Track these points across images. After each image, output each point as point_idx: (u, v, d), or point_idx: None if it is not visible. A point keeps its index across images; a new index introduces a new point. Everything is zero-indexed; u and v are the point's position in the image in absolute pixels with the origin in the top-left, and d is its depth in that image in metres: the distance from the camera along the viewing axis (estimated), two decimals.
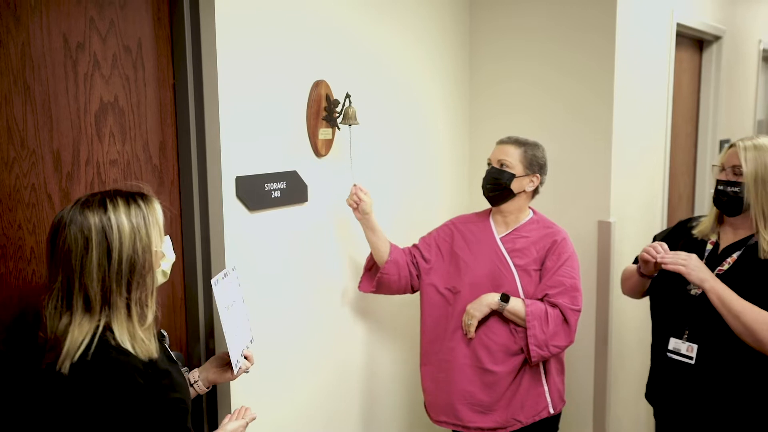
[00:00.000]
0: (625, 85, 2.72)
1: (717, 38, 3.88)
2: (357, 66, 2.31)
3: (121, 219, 1.31)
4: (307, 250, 2.17)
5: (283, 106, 2.03)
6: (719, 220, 2.04)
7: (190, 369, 1.75)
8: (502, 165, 2.21)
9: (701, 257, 1.99)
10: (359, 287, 2.36)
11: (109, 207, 1.32)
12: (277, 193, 2.02)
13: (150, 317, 1.37)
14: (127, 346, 1.31)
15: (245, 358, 1.72)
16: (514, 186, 2.21)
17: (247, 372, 1.74)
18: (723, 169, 1.97)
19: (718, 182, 1.97)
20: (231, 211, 1.89)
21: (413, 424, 2.80)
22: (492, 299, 2.14)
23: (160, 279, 1.42)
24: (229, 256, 1.88)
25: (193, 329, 1.92)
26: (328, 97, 2.16)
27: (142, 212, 1.35)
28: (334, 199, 2.27)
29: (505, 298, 2.13)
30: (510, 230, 2.27)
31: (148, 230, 1.34)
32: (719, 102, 3.98)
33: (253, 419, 1.61)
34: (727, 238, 2.00)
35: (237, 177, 1.89)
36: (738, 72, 4.36)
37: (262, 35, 1.94)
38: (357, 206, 2.18)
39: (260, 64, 1.94)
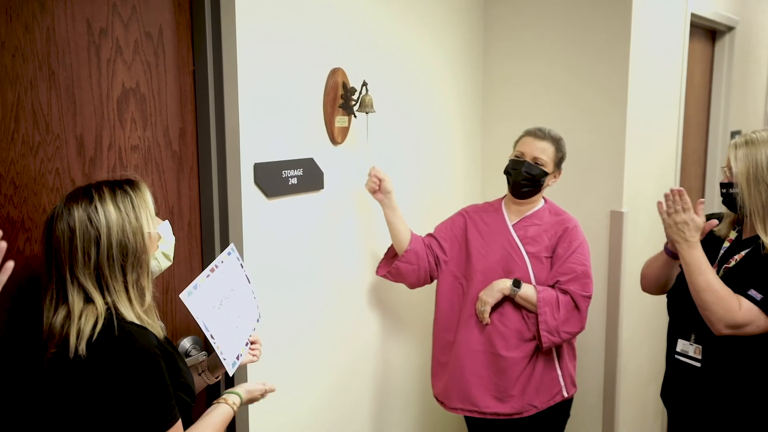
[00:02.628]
0: (639, 76, 2.72)
1: (730, 29, 3.86)
2: (373, 56, 2.32)
3: (108, 207, 1.32)
4: (323, 237, 2.19)
5: (300, 93, 2.04)
6: (739, 221, 2.02)
7: (209, 355, 1.77)
8: (536, 161, 2.22)
9: (717, 254, 1.99)
10: (377, 271, 2.37)
11: (95, 197, 1.33)
12: (294, 180, 2.04)
13: (148, 297, 1.38)
14: (140, 323, 1.34)
15: (252, 342, 1.68)
16: (544, 184, 2.25)
17: (255, 361, 1.70)
18: (725, 170, 1.97)
19: (721, 184, 1.97)
20: (249, 198, 1.91)
21: (425, 414, 2.82)
22: (504, 285, 2.16)
23: (164, 262, 1.43)
24: (247, 242, 1.90)
25: None
26: (344, 85, 2.17)
27: (129, 197, 1.35)
28: (350, 186, 2.28)
29: (516, 284, 2.15)
30: (522, 217, 2.29)
31: (137, 213, 1.35)
32: (731, 93, 3.97)
33: (272, 390, 1.62)
34: (747, 234, 1.97)
35: (255, 164, 1.90)
36: (750, 63, 4.34)
37: (281, 22, 1.95)
38: (378, 187, 2.18)
39: (278, 51, 1.95)
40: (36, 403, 1.46)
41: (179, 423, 1.33)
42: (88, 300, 1.31)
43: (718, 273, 1.94)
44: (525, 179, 2.22)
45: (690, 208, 1.86)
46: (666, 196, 1.90)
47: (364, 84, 2.14)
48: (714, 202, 3.96)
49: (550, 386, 2.26)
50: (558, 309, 2.15)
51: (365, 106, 2.14)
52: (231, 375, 1.64)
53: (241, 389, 1.57)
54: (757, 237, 1.91)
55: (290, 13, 1.97)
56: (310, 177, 2.09)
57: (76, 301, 1.30)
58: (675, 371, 2.08)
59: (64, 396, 1.29)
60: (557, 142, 2.25)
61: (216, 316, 1.53)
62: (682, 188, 1.90)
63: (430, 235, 2.39)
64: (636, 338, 2.99)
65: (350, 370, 2.38)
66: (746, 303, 1.80)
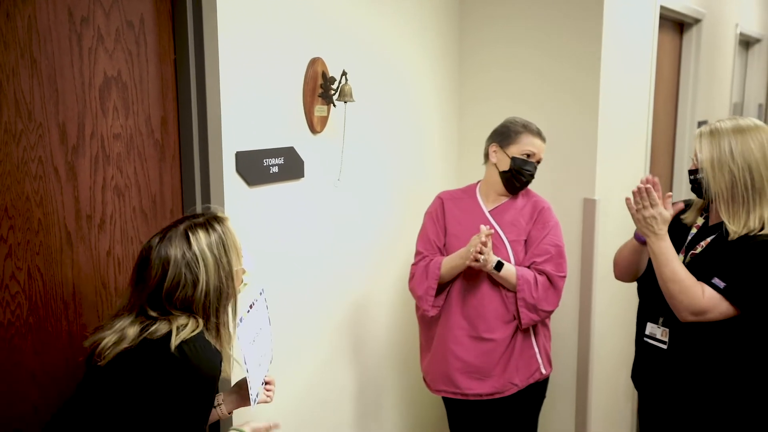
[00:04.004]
0: (611, 67, 2.78)
1: (697, 21, 3.96)
2: (351, 45, 2.34)
3: (204, 252, 1.41)
4: (304, 225, 2.22)
5: (280, 83, 2.06)
6: (706, 208, 2.08)
7: None
8: (538, 162, 2.33)
9: (684, 241, 2.06)
10: (431, 313, 2.32)
11: (192, 240, 1.41)
12: (276, 169, 2.06)
13: (234, 336, 1.49)
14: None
15: (266, 383, 1.72)
16: None
17: (269, 402, 1.73)
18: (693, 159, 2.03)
19: (689, 172, 2.03)
20: (231, 186, 1.92)
21: (411, 395, 2.87)
22: (492, 263, 2.20)
23: (240, 291, 1.53)
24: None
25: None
26: (324, 75, 2.19)
27: (221, 239, 1.43)
28: (330, 175, 2.31)
29: (499, 264, 2.21)
30: (498, 204, 2.35)
31: (229, 257, 1.44)
32: (698, 84, 4.07)
33: (277, 427, 1.68)
34: (713, 221, 2.02)
35: (237, 152, 1.92)
36: (716, 55, 4.45)
37: (261, 12, 1.96)
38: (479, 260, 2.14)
39: (259, 41, 1.96)
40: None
41: None
42: (188, 315, 1.40)
43: (684, 259, 2.01)
44: (529, 178, 2.32)
45: (657, 203, 1.92)
46: (634, 192, 1.96)
47: (344, 73, 2.17)
48: (682, 190, 4.07)
49: (528, 364, 2.33)
50: (536, 287, 2.23)
51: (345, 95, 2.16)
52: (252, 409, 1.66)
53: (247, 427, 1.61)
54: (722, 223, 1.98)
55: (270, 3, 1.99)
56: (291, 165, 2.12)
57: (157, 316, 1.39)
58: (644, 353, 2.15)
59: (140, 384, 1.36)
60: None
61: (251, 351, 1.59)
62: (656, 179, 1.97)
63: (429, 246, 2.39)
64: (608, 323, 3.07)
65: (334, 353, 2.42)
66: (709, 291, 1.87)
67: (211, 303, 1.41)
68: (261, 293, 1.70)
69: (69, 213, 1.63)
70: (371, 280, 2.59)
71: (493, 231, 2.18)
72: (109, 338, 1.38)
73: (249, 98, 1.95)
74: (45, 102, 1.56)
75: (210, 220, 1.46)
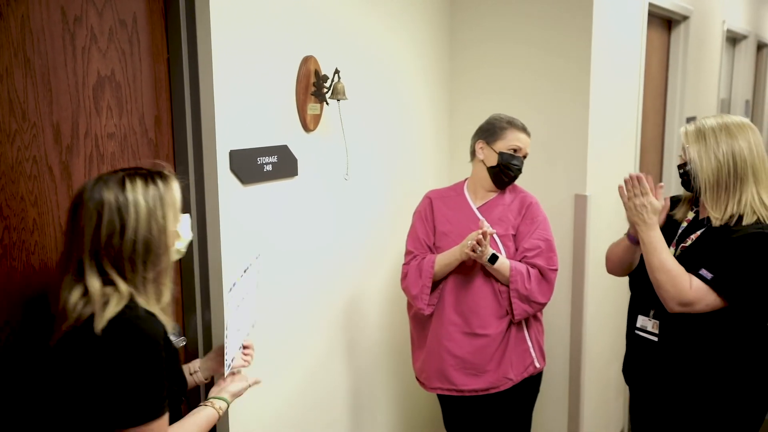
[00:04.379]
0: (601, 64, 2.80)
1: (685, 18, 3.99)
2: (343, 43, 2.35)
3: (138, 199, 1.33)
4: (298, 223, 2.22)
5: (273, 81, 2.07)
6: (696, 202, 2.12)
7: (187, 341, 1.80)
8: (524, 156, 2.36)
9: (674, 235, 2.10)
10: (426, 312, 2.35)
11: (128, 185, 1.34)
12: (269, 167, 2.06)
13: (167, 296, 1.41)
14: (153, 312, 1.36)
15: (245, 347, 1.72)
16: None
17: (247, 366, 1.72)
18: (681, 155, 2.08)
19: (678, 167, 2.08)
20: (225, 185, 1.93)
21: (405, 394, 2.88)
22: (488, 255, 2.22)
23: (174, 256, 1.44)
24: (224, 228, 1.92)
25: (189, 301, 1.96)
26: (316, 73, 2.19)
27: (159, 192, 1.36)
28: (323, 173, 2.32)
29: (493, 259, 2.23)
30: (486, 201, 2.38)
31: (165, 211, 1.37)
32: (686, 80, 4.11)
33: (257, 383, 1.66)
34: (703, 215, 2.06)
35: (231, 151, 1.92)
36: (703, 51, 4.49)
37: (254, 10, 1.96)
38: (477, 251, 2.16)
39: (252, 39, 1.97)
40: (41, 380, 1.45)
41: (166, 417, 1.36)
42: (107, 283, 1.33)
43: (675, 253, 2.04)
44: (516, 172, 2.35)
45: (648, 192, 1.97)
46: (626, 181, 2.01)
47: (337, 71, 2.17)
48: (671, 185, 4.10)
49: (522, 357, 2.35)
50: (529, 279, 2.25)
51: (337, 93, 2.17)
52: (225, 376, 1.65)
53: (227, 394, 1.59)
54: (706, 219, 2.01)
55: (262, 1, 1.99)
56: (285, 164, 2.12)
57: (93, 282, 1.32)
58: (635, 346, 2.18)
59: (75, 372, 1.31)
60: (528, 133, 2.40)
61: (234, 315, 1.59)
62: (642, 173, 2.01)
63: (419, 245, 2.41)
64: (599, 318, 3.10)
65: (327, 352, 2.43)
66: (696, 282, 1.91)
67: (139, 254, 1.33)
68: (257, 258, 1.70)
69: (64, 213, 1.62)
70: (364, 277, 2.60)
71: (495, 231, 2.20)
72: (60, 311, 1.34)
73: (242, 97, 1.95)
74: (39, 101, 1.56)
75: (153, 174, 1.39)
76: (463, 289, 2.32)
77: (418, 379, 2.47)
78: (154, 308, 1.37)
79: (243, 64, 1.94)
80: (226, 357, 1.58)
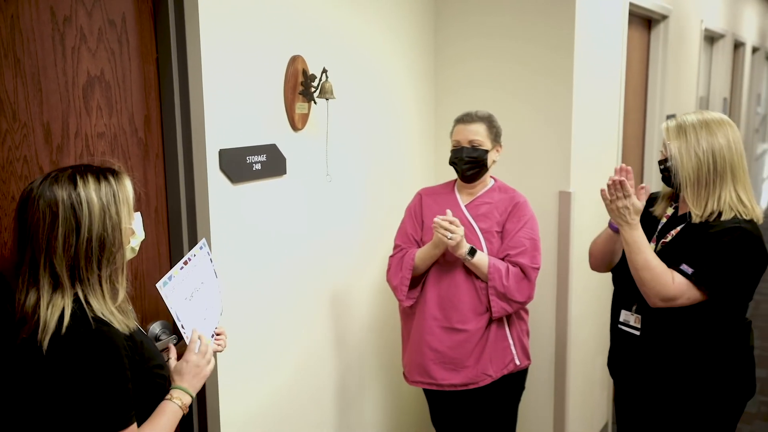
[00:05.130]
0: (584, 62, 2.85)
1: (664, 17, 4.06)
2: (329, 42, 2.37)
3: (91, 196, 1.29)
4: (287, 221, 2.24)
5: (262, 81, 2.08)
6: (675, 198, 2.16)
7: (179, 340, 1.80)
8: (473, 144, 2.33)
9: (654, 231, 2.14)
10: (405, 303, 2.39)
11: (79, 183, 1.30)
12: (258, 166, 2.07)
13: (121, 294, 1.37)
14: (107, 318, 1.32)
15: (217, 334, 1.69)
16: (488, 161, 2.37)
17: (220, 350, 1.70)
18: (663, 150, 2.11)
19: (659, 162, 2.12)
20: (215, 184, 1.94)
21: (394, 389, 2.91)
22: (466, 248, 2.25)
23: (128, 255, 1.41)
24: (213, 227, 1.93)
25: None
26: (304, 72, 2.21)
27: (112, 189, 1.33)
28: (311, 171, 2.33)
29: (472, 251, 2.26)
30: (474, 198, 2.41)
31: (118, 208, 1.33)
32: (666, 78, 4.17)
33: (219, 347, 1.64)
34: (683, 211, 2.10)
35: (220, 150, 1.93)
36: (682, 50, 4.57)
37: (242, 10, 1.98)
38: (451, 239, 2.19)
39: (240, 39, 1.98)
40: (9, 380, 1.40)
41: (134, 426, 1.32)
42: (56, 287, 1.29)
43: (656, 248, 2.08)
44: (468, 163, 2.33)
45: (631, 194, 2.00)
46: (608, 184, 2.04)
47: (324, 71, 2.19)
48: (653, 180, 4.17)
49: (502, 355, 2.38)
50: (508, 277, 2.27)
51: (325, 93, 2.19)
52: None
53: (190, 387, 1.50)
54: (686, 215, 2.06)
55: (250, 1, 2.00)
56: (274, 162, 2.14)
57: (45, 287, 1.28)
58: (618, 341, 2.22)
59: (26, 384, 1.29)
60: (487, 120, 2.36)
61: (187, 307, 1.57)
62: (629, 167, 2.05)
63: (406, 240, 2.45)
64: (583, 313, 3.14)
65: (316, 348, 2.44)
66: (678, 277, 1.95)
67: (94, 252, 1.29)
68: (201, 247, 1.65)
69: None
70: (353, 275, 2.62)
71: (455, 218, 2.22)
72: (16, 319, 1.31)
73: (231, 96, 1.96)
74: (29, 102, 1.56)
75: (104, 171, 1.35)
76: (445, 284, 2.35)
77: (403, 374, 2.50)
78: (109, 308, 1.33)
79: (231, 64, 1.95)
80: (186, 339, 1.54)
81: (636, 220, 2.01)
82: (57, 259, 1.28)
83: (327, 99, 2.21)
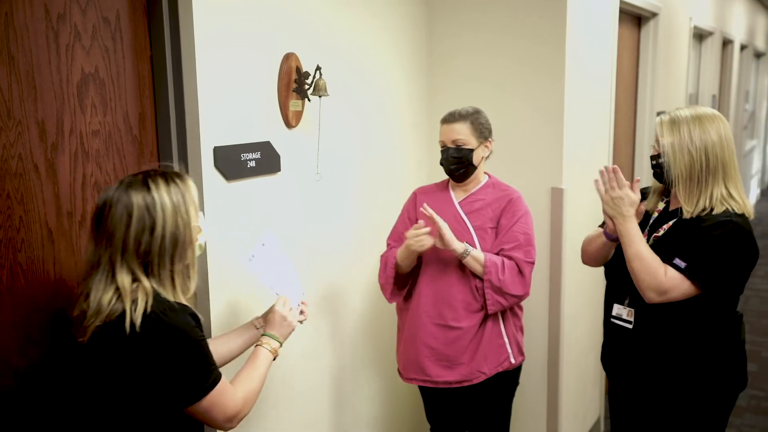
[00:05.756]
0: (575, 59, 2.87)
1: (654, 15, 4.09)
2: (323, 39, 2.37)
3: (163, 197, 1.43)
4: (280, 218, 2.24)
5: (256, 78, 2.08)
6: (666, 193, 2.18)
7: None
8: (457, 144, 2.33)
9: (646, 225, 2.16)
10: (392, 300, 2.45)
11: (152, 186, 1.43)
12: (253, 163, 2.08)
13: (192, 287, 1.51)
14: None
15: (300, 312, 1.88)
16: (475, 159, 2.36)
17: (304, 320, 1.91)
18: (654, 145, 2.12)
19: (651, 158, 2.13)
20: (209, 181, 1.94)
21: (389, 385, 2.92)
22: (459, 246, 2.27)
23: (197, 252, 1.53)
24: (209, 224, 1.93)
25: None
26: (298, 69, 2.21)
27: (180, 190, 1.46)
28: (305, 168, 2.34)
29: (465, 254, 2.27)
30: (467, 195, 2.42)
31: (187, 207, 1.46)
32: (656, 75, 4.20)
33: (301, 320, 1.87)
34: (674, 206, 2.12)
35: (215, 147, 1.94)
36: (672, 47, 4.60)
37: (236, 7, 1.98)
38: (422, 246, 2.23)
39: (234, 36, 1.98)
40: (75, 376, 1.58)
41: (223, 381, 1.51)
42: (135, 280, 1.42)
43: (648, 242, 2.10)
44: (455, 163, 2.33)
45: (625, 185, 2.03)
46: (601, 173, 2.06)
47: (318, 68, 2.20)
48: (643, 177, 4.20)
49: (497, 353, 2.39)
50: (503, 271, 2.28)
51: (319, 90, 2.19)
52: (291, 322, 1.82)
53: (278, 334, 1.75)
54: (678, 210, 2.07)
55: None
56: (268, 160, 2.14)
57: (125, 281, 1.41)
58: (611, 334, 2.24)
59: (115, 366, 1.42)
60: (471, 117, 2.34)
61: (272, 278, 1.83)
62: (616, 166, 2.07)
63: (397, 240, 2.46)
64: (576, 308, 3.16)
65: (311, 345, 2.45)
66: (671, 271, 1.96)
67: (167, 250, 1.43)
68: (270, 237, 1.87)
69: (50, 210, 1.63)
70: (347, 272, 2.63)
71: (428, 229, 2.23)
72: (85, 309, 1.43)
73: (225, 93, 1.97)
74: (24, 99, 1.56)
75: (170, 173, 1.49)
76: (439, 282, 2.36)
77: (398, 370, 2.51)
78: (181, 300, 1.47)
79: (225, 61, 1.95)
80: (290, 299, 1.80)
81: (631, 211, 2.03)
82: (133, 257, 1.42)
83: (321, 96, 2.21)
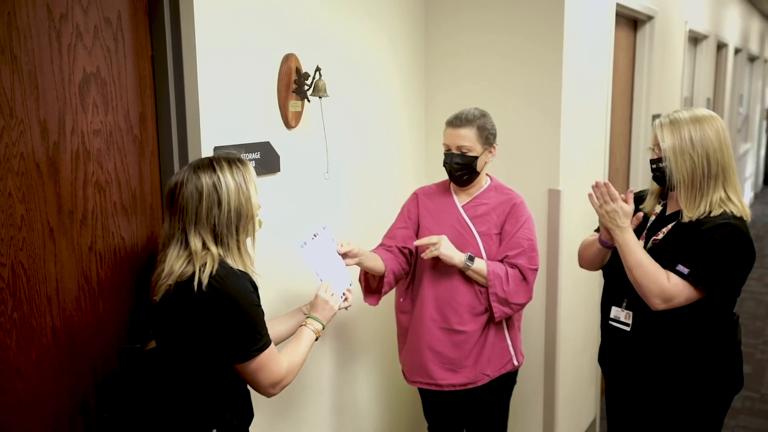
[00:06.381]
0: (572, 62, 2.88)
1: (650, 18, 4.11)
2: (322, 41, 2.38)
3: (227, 177, 1.62)
4: (280, 218, 2.25)
5: (256, 78, 2.09)
6: (663, 195, 2.19)
7: None
8: (461, 150, 2.29)
9: (644, 228, 2.17)
10: (368, 302, 2.44)
11: (217, 168, 1.62)
12: (252, 163, 2.08)
13: (252, 255, 1.71)
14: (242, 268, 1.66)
15: (345, 299, 2.07)
16: (479, 166, 2.34)
17: (347, 305, 2.08)
18: (653, 148, 2.12)
19: (651, 161, 2.13)
20: None
21: (387, 385, 2.93)
22: (460, 258, 2.26)
23: (257, 227, 1.72)
24: None
25: None
26: (298, 70, 2.23)
27: (241, 171, 1.65)
28: (305, 169, 2.35)
29: (470, 259, 2.27)
30: (470, 198, 2.41)
31: (248, 185, 1.66)
32: (652, 78, 4.23)
33: (344, 306, 2.07)
34: (672, 209, 2.13)
35: (215, 147, 1.95)
36: (668, 51, 4.63)
37: (237, 9, 1.99)
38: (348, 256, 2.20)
39: (235, 37, 1.99)
40: (153, 331, 1.74)
41: (272, 347, 1.68)
42: (204, 248, 1.61)
43: (646, 245, 2.11)
44: (458, 169, 2.31)
45: (618, 198, 2.03)
46: (594, 188, 2.06)
47: (318, 69, 2.21)
48: (639, 179, 4.22)
49: (501, 355, 2.40)
50: (507, 282, 2.28)
51: (319, 91, 2.20)
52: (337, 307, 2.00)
53: (321, 317, 1.92)
54: (679, 212, 2.09)
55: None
56: (268, 160, 2.15)
57: (197, 246, 1.60)
58: (609, 337, 2.25)
59: (181, 321, 1.60)
60: (478, 122, 2.28)
61: (320, 266, 2.02)
62: (607, 181, 2.07)
63: (390, 239, 2.45)
64: (573, 309, 3.18)
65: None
66: (674, 277, 1.97)
67: (233, 222, 1.62)
68: (324, 228, 2.08)
69: (51, 209, 1.64)
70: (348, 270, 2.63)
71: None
72: (161, 272, 1.62)
73: (226, 94, 1.98)
74: (26, 98, 1.57)
75: (233, 158, 1.68)
76: (442, 285, 2.36)
77: (402, 371, 2.52)
78: (246, 265, 1.67)
79: (226, 62, 1.96)
80: (334, 290, 1.99)
81: (626, 222, 2.04)
82: (204, 228, 1.61)
83: (320, 97, 2.22)
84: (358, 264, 2.25)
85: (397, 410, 3.08)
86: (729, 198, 2.00)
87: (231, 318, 1.59)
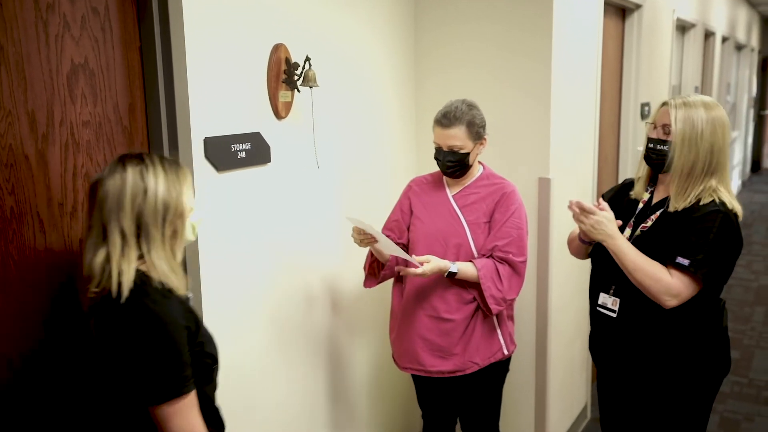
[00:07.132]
0: (561, 47, 2.89)
1: (638, 7, 4.12)
2: (310, 30, 2.37)
3: (158, 169, 1.48)
4: (271, 208, 2.25)
5: (245, 69, 2.08)
6: (653, 180, 2.19)
7: None
8: (452, 149, 2.29)
9: (632, 215, 2.18)
10: (366, 285, 2.51)
11: (146, 158, 1.48)
12: (243, 154, 2.08)
13: (179, 256, 1.52)
14: (168, 275, 1.48)
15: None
16: (470, 160, 2.34)
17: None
18: (655, 126, 2.09)
19: (649, 140, 2.09)
20: (200, 172, 1.94)
21: (382, 372, 2.94)
22: (445, 266, 2.27)
23: (189, 234, 1.55)
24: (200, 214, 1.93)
25: None
26: (287, 60, 2.22)
27: (174, 167, 1.51)
28: (295, 160, 2.35)
29: (451, 275, 2.29)
30: (462, 188, 2.42)
31: (180, 183, 1.51)
32: (640, 67, 4.24)
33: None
34: (659, 196, 2.13)
35: (205, 138, 1.94)
36: (656, 39, 4.64)
37: None
38: (367, 240, 2.29)
39: (224, 27, 1.98)
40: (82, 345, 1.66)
41: (191, 395, 1.47)
42: (124, 242, 1.44)
43: (634, 232, 2.12)
44: (449, 166, 2.32)
45: (595, 211, 2.02)
46: (570, 208, 2.07)
47: (307, 59, 2.20)
48: (627, 167, 4.24)
49: (490, 344, 2.41)
50: (500, 280, 2.29)
51: (309, 81, 2.20)
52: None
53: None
54: (666, 200, 2.09)
55: None
56: (258, 151, 2.14)
57: (116, 242, 1.44)
58: (597, 323, 2.26)
59: (108, 335, 1.45)
60: (467, 118, 2.27)
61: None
62: (576, 200, 2.06)
63: (389, 230, 2.51)
64: (563, 297, 3.20)
65: (303, 337, 2.46)
66: (676, 272, 1.96)
67: (159, 212, 1.46)
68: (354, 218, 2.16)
69: (41, 201, 1.63)
70: (340, 261, 2.64)
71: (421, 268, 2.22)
72: (90, 275, 1.46)
73: (215, 84, 1.97)
74: (14, 90, 1.55)
75: (167, 157, 1.55)
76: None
77: (393, 357, 2.54)
78: (171, 264, 1.49)
79: (215, 52, 1.95)
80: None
81: (613, 228, 2.02)
82: (126, 218, 1.44)
83: (310, 87, 2.22)
84: (372, 247, 2.35)
85: (392, 398, 3.09)
86: (717, 188, 2.01)
87: (140, 352, 1.42)
